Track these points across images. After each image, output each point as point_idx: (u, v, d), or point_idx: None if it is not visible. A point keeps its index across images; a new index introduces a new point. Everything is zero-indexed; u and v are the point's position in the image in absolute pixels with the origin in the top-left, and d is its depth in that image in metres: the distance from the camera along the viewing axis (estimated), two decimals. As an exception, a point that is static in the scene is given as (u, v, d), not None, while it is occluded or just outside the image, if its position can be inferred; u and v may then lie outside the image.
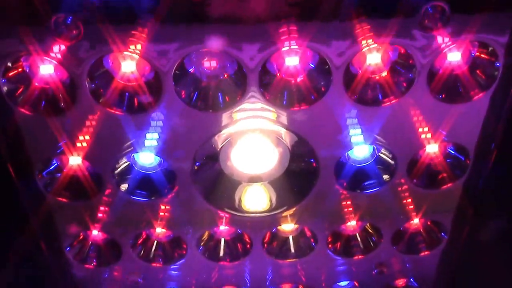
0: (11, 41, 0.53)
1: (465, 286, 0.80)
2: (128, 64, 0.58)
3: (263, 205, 0.70)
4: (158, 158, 0.67)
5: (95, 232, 0.74)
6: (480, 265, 0.78)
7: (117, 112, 0.58)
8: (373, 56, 0.58)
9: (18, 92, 0.58)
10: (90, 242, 0.76)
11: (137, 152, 0.64)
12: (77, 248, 0.76)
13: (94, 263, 0.77)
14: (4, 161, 0.62)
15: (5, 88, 0.57)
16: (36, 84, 0.58)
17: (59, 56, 0.55)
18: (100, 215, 0.71)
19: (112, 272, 0.80)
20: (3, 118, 0.59)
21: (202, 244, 0.77)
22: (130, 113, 0.59)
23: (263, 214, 0.70)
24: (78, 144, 0.63)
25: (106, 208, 0.70)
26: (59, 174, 0.67)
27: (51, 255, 0.75)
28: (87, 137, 0.62)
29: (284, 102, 0.59)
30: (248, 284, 0.83)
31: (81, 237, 0.76)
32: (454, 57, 0.58)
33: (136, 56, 0.56)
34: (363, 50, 0.56)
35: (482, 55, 0.59)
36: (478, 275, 0.79)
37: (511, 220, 0.72)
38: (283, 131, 0.64)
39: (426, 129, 0.64)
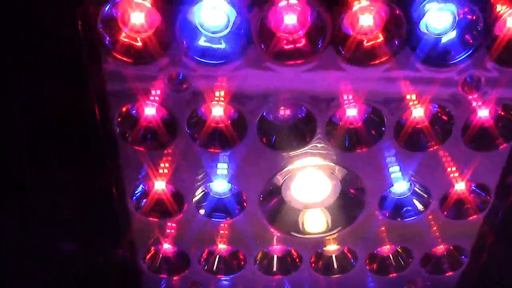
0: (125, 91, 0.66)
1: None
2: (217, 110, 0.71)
3: (321, 228, 0.82)
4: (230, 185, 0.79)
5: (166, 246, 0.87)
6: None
7: (212, 150, 0.71)
8: (417, 111, 0.71)
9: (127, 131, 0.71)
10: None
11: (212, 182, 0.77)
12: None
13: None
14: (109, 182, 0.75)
15: (117, 130, 0.70)
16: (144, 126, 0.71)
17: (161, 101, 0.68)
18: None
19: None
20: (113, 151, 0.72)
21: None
22: (221, 150, 0.71)
23: (319, 236, 0.83)
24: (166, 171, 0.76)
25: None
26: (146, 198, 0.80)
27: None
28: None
29: (346, 146, 0.72)
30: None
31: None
32: (483, 113, 0.72)
33: (223, 104, 0.69)
34: (411, 107, 0.69)
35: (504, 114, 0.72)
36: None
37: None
38: (337, 167, 0.76)
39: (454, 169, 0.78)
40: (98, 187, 0.75)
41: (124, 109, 0.68)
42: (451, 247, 0.90)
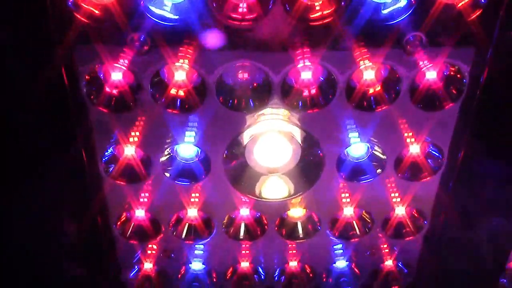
0: (90, 54, 0.71)
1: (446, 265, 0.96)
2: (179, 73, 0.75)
3: (282, 193, 0.85)
4: (197, 149, 0.83)
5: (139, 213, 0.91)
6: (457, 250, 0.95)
7: (173, 111, 0.75)
8: (369, 73, 0.76)
9: (93, 94, 0.75)
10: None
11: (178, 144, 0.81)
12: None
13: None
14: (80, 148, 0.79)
15: (84, 90, 0.74)
16: (107, 89, 0.75)
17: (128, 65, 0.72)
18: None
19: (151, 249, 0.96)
20: (80, 114, 0.76)
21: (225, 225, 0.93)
22: (182, 113, 0.76)
23: (279, 200, 0.86)
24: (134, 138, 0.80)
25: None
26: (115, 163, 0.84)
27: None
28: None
29: (300, 107, 0.76)
30: (262, 262, 0.99)
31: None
32: (431, 75, 0.76)
33: (186, 67, 0.73)
34: (361, 68, 0.74)
35: (453, 74, 0.76)
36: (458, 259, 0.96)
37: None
38: (296, 130, 0.80)
39: (409, 132, 0.82)
40: (69, 150, 0.79)
41: (91, 71, 0.73)
42: (411, 211, 0.93)
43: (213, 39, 0.71)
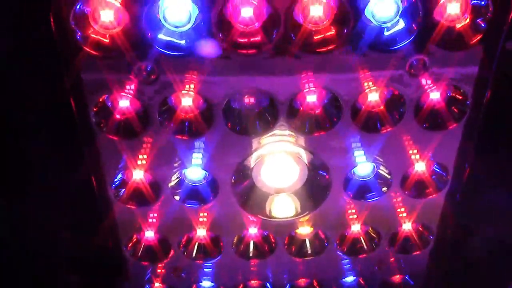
0: (98, 84, 0.72)
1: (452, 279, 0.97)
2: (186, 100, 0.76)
3: (290, 212, 0.87)
4: (205, 172, 0.84)
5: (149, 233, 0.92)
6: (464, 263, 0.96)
7: (181, 138, 0.77)
8: (373, 96, 0.77)
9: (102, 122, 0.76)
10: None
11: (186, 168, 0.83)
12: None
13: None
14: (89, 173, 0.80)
15: (93, 119, 0.76)
16: (115, 116, 0.77)
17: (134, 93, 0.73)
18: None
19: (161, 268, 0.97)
20: (89, 141, 0.78)
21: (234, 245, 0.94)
22: (190, 138, 0.77)
23: (287, 219, 0.87)
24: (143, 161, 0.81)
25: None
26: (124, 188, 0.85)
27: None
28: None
29: (306, 130, 0.77)
30: (271, 279, 1.01)
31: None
32: (435, 95, 0.77)
33: (193, 94, 0.75)
34: (366, 91, 0.75)
35: (456, 95, 0.77)
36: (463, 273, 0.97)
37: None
38: (302, 151, 0.81)
39: (415, 151, 0.83)
40: (78, 176, 0.80)
41: (99, 100, 0.74)
42: (418, 227, 0.94)
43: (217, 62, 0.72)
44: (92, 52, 0.68)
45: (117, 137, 0.77)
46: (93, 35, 0.67)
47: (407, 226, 0.93)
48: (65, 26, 0.66)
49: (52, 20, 0.65)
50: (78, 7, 0.65)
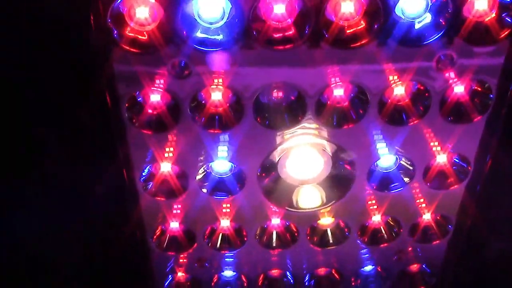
0: (132, 79, 0.73)
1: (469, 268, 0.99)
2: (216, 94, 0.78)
3: (315, 203, 0.89)
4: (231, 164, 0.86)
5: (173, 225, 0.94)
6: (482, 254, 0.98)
7: (212, 131, 0.78)
8: (399, 89, 0.78)
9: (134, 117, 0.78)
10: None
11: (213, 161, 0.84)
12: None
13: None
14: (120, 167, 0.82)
15: (126, 114, 0.77)
16: (147, 111, 0.78)
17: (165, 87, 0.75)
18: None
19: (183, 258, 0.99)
20: (121, 136, 0.79)
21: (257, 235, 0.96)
22: (220, 132, 0.78)
23: (312, 210, 0.89)
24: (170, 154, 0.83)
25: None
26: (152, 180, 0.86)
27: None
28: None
29: (334, 123, 0.79)
30: (291, 268, 1.03)
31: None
32: (460, 89, 0.79)
33: (223, 88, 0.76)
34: (392, 85, 0.76)
35: (481, 89, 0.79)
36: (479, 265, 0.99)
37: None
38: (327, 143, 0.83)
39: (436, 143, 0.85)
40: (109, 170, 0.81)
41: (132, 95, 0.75)
42: (437, 217, 0.96)
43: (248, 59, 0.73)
44: (128, 48, 0.69)
45: (149, 131, 0.78)
46: (129, 33, 0.69)
47: (426, 216, 0.95)
48: (103, 24, 0.67)
49: (92, 18, 0.66)
50: (115, 5, 0.66)
